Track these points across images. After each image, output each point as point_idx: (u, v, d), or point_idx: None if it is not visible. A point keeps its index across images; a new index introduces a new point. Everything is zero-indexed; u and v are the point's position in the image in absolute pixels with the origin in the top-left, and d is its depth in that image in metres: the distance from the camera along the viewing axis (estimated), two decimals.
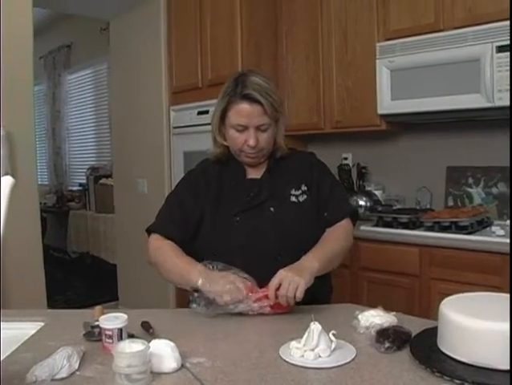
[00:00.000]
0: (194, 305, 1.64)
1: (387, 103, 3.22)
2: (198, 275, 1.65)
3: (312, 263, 1.68)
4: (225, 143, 1.90)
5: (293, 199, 1.87)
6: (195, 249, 1.83)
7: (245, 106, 1.77)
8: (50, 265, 3.73)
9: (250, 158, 1.87)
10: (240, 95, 1.77)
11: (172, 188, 2.04)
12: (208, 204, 1.86)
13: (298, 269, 1.64)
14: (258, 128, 1.80)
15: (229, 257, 1.72)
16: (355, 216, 1.99)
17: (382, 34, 3.27)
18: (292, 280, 1.58)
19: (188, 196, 1.90)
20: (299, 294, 1.57)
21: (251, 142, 1.79)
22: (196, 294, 1.65)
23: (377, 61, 3.23)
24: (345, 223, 1.91)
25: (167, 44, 4.22)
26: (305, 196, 1.88)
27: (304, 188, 1.89)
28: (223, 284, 1.60)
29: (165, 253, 1.81)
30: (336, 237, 1.85)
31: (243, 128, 1.80)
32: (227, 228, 1.81)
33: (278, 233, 1.81)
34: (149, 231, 1.90)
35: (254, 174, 1.93)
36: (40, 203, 3.70)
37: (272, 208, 1.83)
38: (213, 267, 1.67)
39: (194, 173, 2.00)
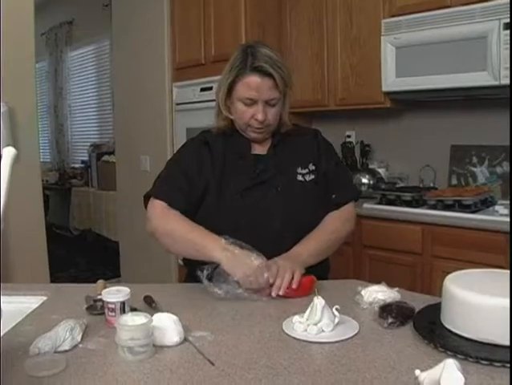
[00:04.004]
0: (205, 282, 1.57)
1: (391, 80, 3.19)
2: (221, 253, 1.59)
3: (303, 257, 1.68)
4: (231, 117, 1.82)
5: (299, 178, 1.83)
6: (198, 223, 1.77)
7: (255, 78, 1.70)
8: (52, 242, 3.73)
9: (257, 133, 1.81)
10: (250, 67, 1.70)
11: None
12: (212, 178, 1.78)
13: (290, 259, 1.65)
14: (266, 103, 1.73)
15: (232, 235, 1.69)
16: (358, 197, 2.01)
17: (387, 11, 3.23)
18: (287, 269, 1.58)
19: (193, 165, 1.80)
20: (295, 284, 1.56)
21: (260, 116, 1.73)
22: (205, 270, 1.57)
23: (382, 38, 3.20)
24: (350, 206, 1.92)
25: (170, 20, 4.17)
26: (312, 176, 1.85)
27: (312, 167, 1.86)
28: (247, 269, 1.55)
29: (173, 222, 1.72)
30: (336, 225, 1.85)
31: (252, 102, 1.73)
32: (232, 204, 1.77)
33: (283, 212, 1.77)
34: (149, 196, 1.81)
35: (259, 149, 1.87)
36: (42, 180, 3.70)
37: (279, 187, 1.80)
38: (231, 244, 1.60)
39: (197, 142, 1.89)
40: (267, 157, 1.85)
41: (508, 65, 2.65)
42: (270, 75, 1.70)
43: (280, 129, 1.88)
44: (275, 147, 1.87)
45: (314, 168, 1.86)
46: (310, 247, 1.73)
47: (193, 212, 1.78)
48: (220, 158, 1.82)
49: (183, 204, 1.75)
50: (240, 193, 1.77)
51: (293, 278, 1.57)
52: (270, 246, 1.70)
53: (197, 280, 1.62)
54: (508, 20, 2.64)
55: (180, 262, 3.76)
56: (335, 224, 1.84)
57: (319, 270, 1.76)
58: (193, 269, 1.72)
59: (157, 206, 1.76)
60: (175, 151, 1.98)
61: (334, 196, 1.87)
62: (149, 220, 1.77)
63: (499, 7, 2.69)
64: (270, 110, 1.76)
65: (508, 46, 2.65)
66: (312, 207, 1.83)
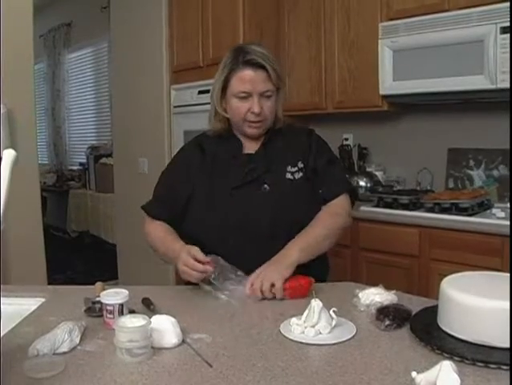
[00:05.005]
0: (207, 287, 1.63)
1: (389, 83, 3.20)
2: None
3: (292, 254, 1.66)
4: (227, 115, 1.84)
5: (288, 176, 1.82)
6: (188, 226, 1.83)
7: (248, 72, 1.73)
8: (49, 244, 3.73)
9: (253, 128, 1.81)
10: (242, 61, 1.74)
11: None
12: (201, 180, 1.83)
13: (276, 262, 1.64)
14: (261, 95, 1.75)
15: (222, 235, 1.73)
16: (353, 195, 1.95)
17: (385, 14, 3.24)
18: (265, 277, 1.58)
19: (179, 173, 1.88)
20: (278, 294, 1.57)
21: (256, 109, 1.74)
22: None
23: (380, 41, 3.20)
24: (341, 200, 1.86)
25: (168, 22, 4.18)
26: (301, 174, 1.84)
27: (301, 165, 1.85)
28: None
29: (155, 238, 1.85)
30: (326, 220, 1.80)
31: (246, 95, 1.75)
32: (221, 204, 1.78)
33: (272, 210, 1.77)
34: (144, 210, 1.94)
35: (251, 149, 1.88)
36: (40, 182, 3.70)
37: (266, 186, 1.79)
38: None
39: (188, 147, 1.97)
40: (257, 156, 1.85)
41: (505, 69, 2.66)
42: (262, 67, 1.73)
43: (275, 125, 1.88)
44: (265, 145, 1.87)
45: (302, 165, 1.85)
46: (301, 244, 1.70)
47: (180, 218, 1.84)
48: (211, 159, 1.86)
49: (166, 215, 1.86)
50: (229, 192, 1.78)
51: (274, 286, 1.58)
52: (261, 245, 1.72)
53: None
54: (505, 24, 2.65)
55: None
56: (324, 220, 1.80)
57: (319, 272, 1.77)
58: None
59: (147, 221, 1.92)
60: (172, 154, 2.03)
61: (321, 191, 1.85)
62: (144, 232, 1.91)
63: (496, 11, 2.70)
64: (266, 102, 1.77)
65: (505, 50, 2.66)
66: (303, 205, 1.82)
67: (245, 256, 1.67)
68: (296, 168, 1.84)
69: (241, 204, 1.78)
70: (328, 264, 1.96)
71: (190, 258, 1.60)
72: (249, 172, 1.82)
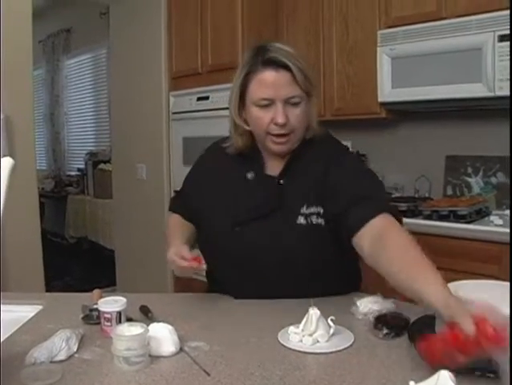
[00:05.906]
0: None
1: (387, 90, 3.21)
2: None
3: None
4: (247, 128, 1.55)
5: (300, 220, 1.53)
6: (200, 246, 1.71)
7: (269, 73, 1.45)
8: (47, 249, 3.72)
9: (279, 144, 1.52)
10: (262, 61, 1.46)
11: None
12: (211, 201, 1.65)
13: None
14: (286, 102, 1.46)
15: (223, 268, 1.61)
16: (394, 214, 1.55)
17: (384, 22, 3.25)
18: None
19: (192, 188, 1.77)
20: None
21: (279, 119, 1.45)
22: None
23: (378, 48, 3.22)
24: (388, 219, 1.49)
25: (167, 29, 4.18)
26: (313, 218, 1.54)
27: (313, 209, 1.54)
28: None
29: (168, 229, 1.79)
30: (406, 240, 1.46)
31: (268, 103, 1.47)
32: (226, 236, 1.58)
33: (277, 256, 1.54)
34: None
35: (274, 170, 1.59)
36: (38, 188, 3.69)
37: (274, 229, 1.54)
38: None
39: (203, 161, 1.80)
40: (274, 183, 1.58)
41: (503, 76, 2.67)
42: (285, 67, 1.45)
43: (306, 136, 1.57)
44: (289, 166, 1.58)
45: (315, 209, 1.54)
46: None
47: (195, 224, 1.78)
48: (223, 180, 1.66)
49: (181, 209, 1.83)
50: (231, 226, 1.58)
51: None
52: (262, 284, 1.59)
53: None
54: (503, 32, 2.67)
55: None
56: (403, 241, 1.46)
57: (353, 281, 1.75)
58: (216, 288, 1.72)
59: (169, 214, 1.89)
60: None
61: (349, 220, 1.46)
62: None
63: (494, 19, 2.71)
64: (293, 111, 1.48)
65: (503, 58, 2.67)
66: (313, 254, 1.56)
67: (244, 293, 1.59)
68: (310, 211, 1.54)
69: (244, 241, 1.56)
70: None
71: (175, 256, 1.51)
72: (258, 207, 1.56)
